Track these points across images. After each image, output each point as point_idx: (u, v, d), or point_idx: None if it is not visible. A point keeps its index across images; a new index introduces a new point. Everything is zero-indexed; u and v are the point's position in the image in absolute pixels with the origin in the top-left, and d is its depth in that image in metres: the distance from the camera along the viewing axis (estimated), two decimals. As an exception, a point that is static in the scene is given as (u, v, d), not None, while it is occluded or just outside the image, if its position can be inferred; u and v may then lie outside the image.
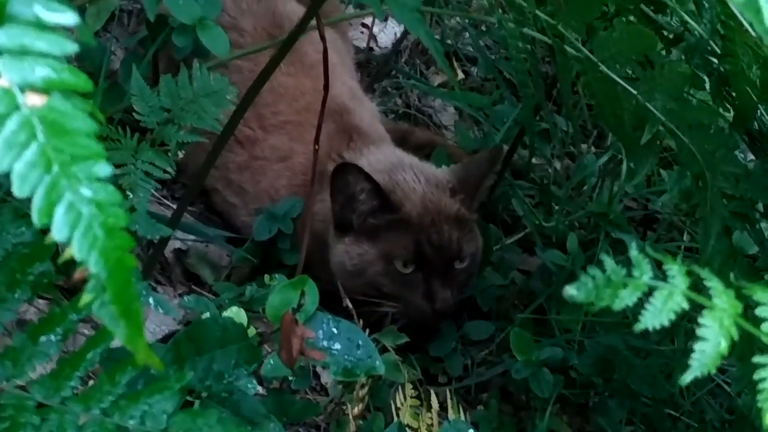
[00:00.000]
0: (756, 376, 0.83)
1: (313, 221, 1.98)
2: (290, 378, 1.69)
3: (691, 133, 1.57)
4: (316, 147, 1.84)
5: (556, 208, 2.42)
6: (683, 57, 1.70)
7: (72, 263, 0.77)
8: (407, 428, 1.68)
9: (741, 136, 1.68)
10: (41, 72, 0.68)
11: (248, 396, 1.36)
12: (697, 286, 0.89)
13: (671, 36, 1.72)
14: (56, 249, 1.09)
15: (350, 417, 1.73)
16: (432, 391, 1.84)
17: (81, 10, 2.07)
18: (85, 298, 0.73)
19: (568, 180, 2.53)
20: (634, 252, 0.86)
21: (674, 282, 0.84)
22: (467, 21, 2.91)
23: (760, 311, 0.86)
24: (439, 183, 2.12)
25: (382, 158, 2.14)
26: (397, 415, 1.78)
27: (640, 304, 0.88)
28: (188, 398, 1.27)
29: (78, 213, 0.67)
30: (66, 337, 1.03)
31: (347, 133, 2.20)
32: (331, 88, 1.82)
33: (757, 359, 0.84)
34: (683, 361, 0.84)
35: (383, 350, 1.90)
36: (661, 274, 0.88)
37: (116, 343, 1.12)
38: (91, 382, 1.05)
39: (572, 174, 2.55)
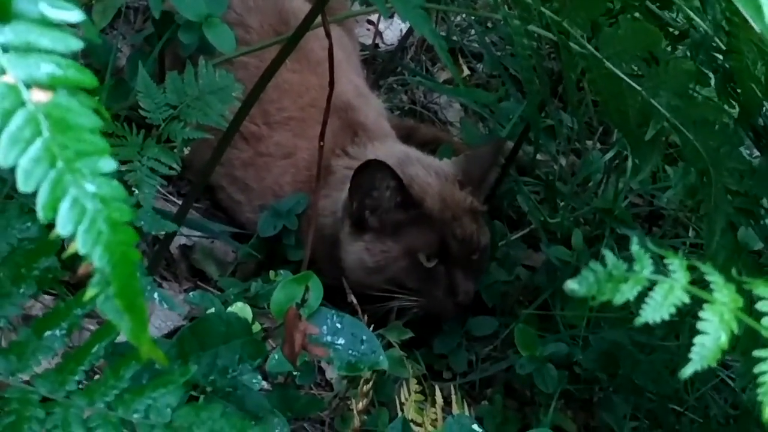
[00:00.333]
0: (756, 370, 0.83)
1: (318, 217, 1.99)
2: (295, 373, 1.69)
3: (695, 130, 1.57)
4: (322, 143, 1.85)
5: (562, 204, 2.42)
6: (688, 54, 1.70)
7: (77, 258, 0.78)
8: (411, 423, 1.69)
9: (746, 132, 1.68)
10: (46, 68, 0.68)
11: (253, 391, 1.36)
12: (700, 281, 0.89)
13: (676, 33, 1.72)
14: (62, 245, 1.09)
15: (355, 412, 1.74)
16: (436, 387, 1.85)
17: (87, 7, 2.08)
18: (90, 292, 0.74)
19: (573, 176, 2.53)
20: (635, 246, 0.86)
21: (675, 276, 0.85)
22: (473, 18, 2.91)
23: (760, 305, 0.86)
24: (447, 176, 2.14)
25: (389, 153, 2.15)
26: (402, 410, 1.78)
27: (643, 300, 0.88)
28: (193, 393, 1.28)
29: (82, 208, 0.68)
30: (71, 331, 1.04)
31: (352, 129, 2.21)
32: (337, 85, 1.82)
33: (758, 353, 0.85)
34: (688, 356, 0.85)
35: (388, 346, 1.91)
36: (663, 269, 0.88)
37: (121, 337, 1.13)
38: (96, 377, 1.05)
39: (577, 170, 2.55)
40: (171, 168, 1.69)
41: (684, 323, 2.03)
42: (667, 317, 0.83)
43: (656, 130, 1.58)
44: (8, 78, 0.67)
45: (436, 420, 1.79)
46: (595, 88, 1.66)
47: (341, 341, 1.34)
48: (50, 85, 0.68)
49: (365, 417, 1.79)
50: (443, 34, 2.87)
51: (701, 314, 0.84)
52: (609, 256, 0.86)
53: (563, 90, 2.50)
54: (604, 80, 1.62)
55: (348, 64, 2.39)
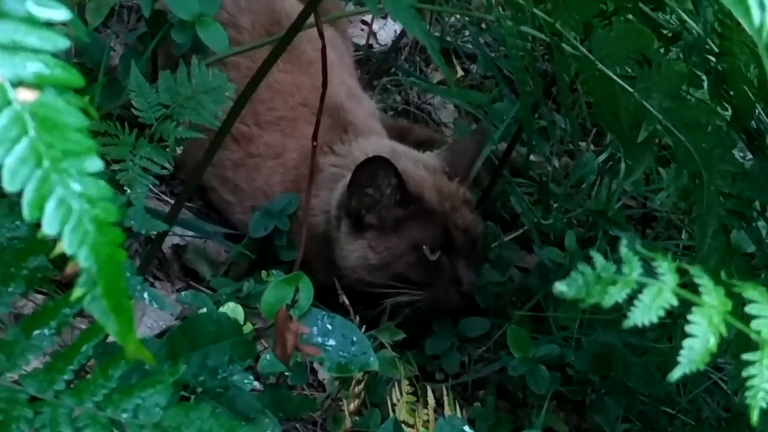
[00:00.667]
0: (745, 373, 0.83)
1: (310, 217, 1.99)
2: (287, 374, 1.69)
3: (688, 132, 1.57)
4: (315, 143, 1.85)
5: (555, 205, 2.42)
6: (681, 56, 1.70)
7: (66, 258, 0.77)
8: (403, 424, 1.68)
9: (739, 134, 1.68)
10: (33, 67, 0.68)
11: (244, 391, 1.36)
12: (691, 284, 0.89)
13: (669, 35, 1.72)
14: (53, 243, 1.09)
15: (347, 413, 1.74)
16: (428, 388, 1.85)
17: (81, 6, 2.08)
18: (77, 292, 0.73)
19: (566, 178, 2.53)
20: (624, 249, 0.86)
21: (664, 279, 0.85)
22: (467, 19, 2.91)
23: (750, 309, 0.86)
24: (435, 168, 2.15)
25: (376, 148, 2.15)
26: (394, 411, 1.78)
27: (633, 302, 0.88)
28: (184, 393, 1.28)
29: (68, 208, 0.67)
30: (60, 330, 1.03)
31: (341, 127, 2.21)
32: (329, 85, 1.82)
33: (747, 356, 0.84)
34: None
35: (380, 347, 1.91)
36: (653, 272, 0.88)
37: (111, 337, 1.13)
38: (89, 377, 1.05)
39: (571, 172, 2.55)
40: (163, 167, 1.69)
41: (676, 326, 2.03)
42: (655, 320, 0.83)
43: (649, 131, 1.58)
44: (-6, 77, 0.67)
45: (428, 421, 1.79)
46: (587, 89, 1.66)
47: (332, 342, 1.34)
48: (37, 84, 0.68)
49: (357, 418, 1.79)
50: (437, 35, 2.87)
51: (690, 317, 0.84)
52: (598, 258, 0.86)
53: (556, 91, 2.50)
54: (596, 82, 1.62)
55: (340, 64, 2.39)
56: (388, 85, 2.80)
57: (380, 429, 1.57)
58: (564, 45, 1.61)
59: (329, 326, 1.34)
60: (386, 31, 2.93)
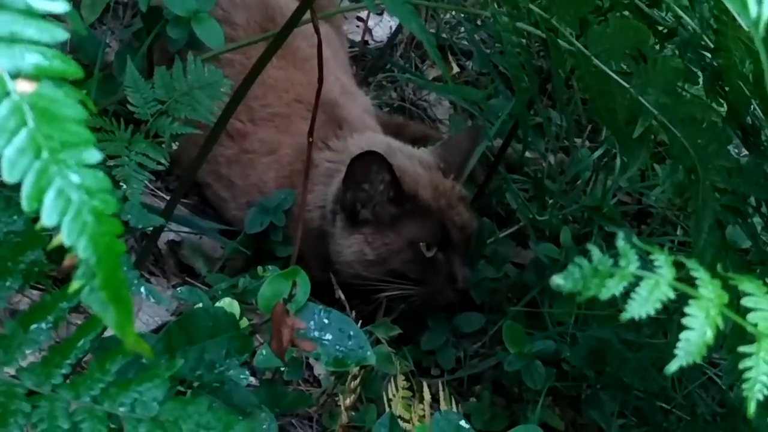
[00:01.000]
0: (741, 365, 0.84)
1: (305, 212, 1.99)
2: (283, 369, 1.69)
3: (683, 128, 1.58)
4: (311, 139, 1.85)
5: (550, 201, 2.42)
6: (676, 52, 1.71)
7: (63, 252, 0.77)
8: (399, 419, 1.69)
9: (734, 130, 1.68)
10: (32, 59, 0.68)
11: (240, 386, 1.36)
12: (687, 278, 0.89)
13: (665, 31, 1.72)
14: (49, 238, 1.09)
15: (342, 408, 1.74)
16: (424, 383, 1.85)
17: (76, 2, 2.07)
18: (75, 284, 0.73)
19: (562, 174, 2.53)
20: (621, 242, 0.86)
21: (661, 272, 0.85)
22: (462, 15, 2.91)
23: (746, 301, 0.86)
24: (430, 165, 2.15)
25: (371, 144, 2.15)
26: (389, 406, 1.78)
27: (630, 297, 0.88)
28: (180, 388, 1.28)
29: (67, 199, 0.67)
30: (57, 325, 1.03)
31: (336, 123, 2.21)
32: (323, 82, 1.82)
33: (743, 349, 0.85)
34: (674, 354, 0.85)
35: (376, 342, 1.91)
36: (649, 266, 0.88)
37: (107, 332, 1.13)
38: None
39: (566, 168, 2.56)
40: (159, 163, 1.69)
41: (671, 321, 2.03)
42: (652, 313, 0.83)
43: (644, 127, 1.58)
44: (-7, 68, 0.67)
45: (423, 416, 1.79)
46: (583, 85, 1.66)
47: (328, 336, 1.34)
48: (35, 75, 0.68)
49: (353, 413, 1.79)
50: (432, 31, 2.87)
51: (687, 310, 0.84)
52: (595, 252, 0.86)
53: (552, 88, 2.51)
54: (592, 78, 1.62)
55: (335, 61, 2.39)
56: (383, 82, 2.81)
57: (376, 424, 1.57)
58: (560, 41, 1.61)
59: (326, 321, 1.35)
60: (382, 27, 2.93)
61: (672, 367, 0.81)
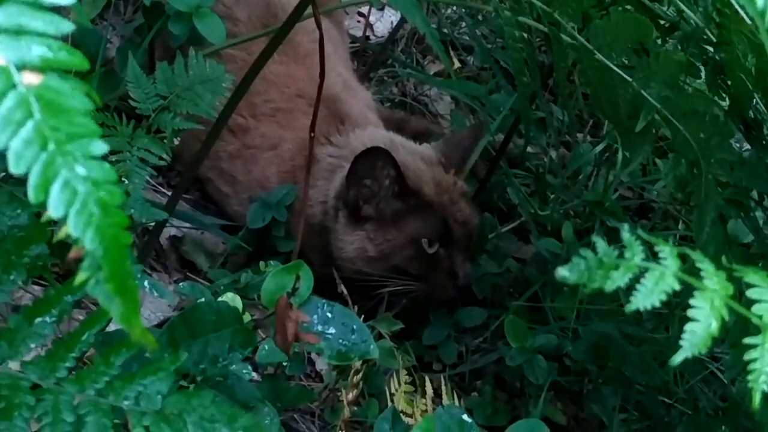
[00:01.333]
0: (747, 357, 0.84)
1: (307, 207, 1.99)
2: (285, 364, 1.69)
3: (686, 121, 1.58)
4: (312, 134, 1.85)
5: (552, 196, 2.42)
6: (679, 45, 1.71)
7: (66, 247, 0.77)
8: (402, 414, 1.69)
9: (736, 124, 1.68)
10: (38, 51, 0.68)
11: (243, 380, 1.36)
12: (691, 271, 0.89)
13: (667, 24, 1.72)
14: (52, 232, 1.09)
15: (345, 403, 1.74)
16: (426, 378, 1.85)
17: (77, -2, 2.07)
18: (80, 276, 0.73)
19: (563, 169, 2.53)
20: (626, 234, 0.86)
21: (666, 263, 0.85)
22: (463, 10, 2.91)
23: (751, 293, 0.86)
24: (432, 160, 2.15)
25: (374, 139, 2.15)
26: (392, 401, 1.79)
27: (633, 290, 0.88)
28: (183, 383, 1.28)
29: (74, 190, 0.67)
30: (61, 318, 1.03)
31: (337, 118, 2.21)
32: (325, 77, 1.82)
33: (748, 340, 0.85)
34: (677, 348, 0.85)
35: (378, 337, 1.91)
36: (653, 258, 0.88)
37: (111, 326, 1.13)
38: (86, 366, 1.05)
39: (568, 163, 2.56)
40: (161, 158, 1.69)
41: (673, 315, 2.04)
42: (658, 304, 0.83)
43: (646, 121, 1.58)
44: (-1, 60, 0.67)
45: (426, 411, 1.79)
46: (585, 79, 1.66)
47: (332, 330, 1.34)
48: (41, 67, 0.68)
49: (355, 408, 1.79)
50: (434, 26, 2.87)
51: (692, 301, 0.84)
52: (600, 244, 0.86)
53: (554, 82, 2.50)
54: (594, 71, 1.62)
55: (336, 56, 2.38)
56: (385, 77, 2.81)
57: (379, 419, 1.57)
58: (562, 35, 1.61)
59: (329, 315, 1.35)
60: (383, 22, 2.93)
61: (677, 358, 0.81)
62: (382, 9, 2.91)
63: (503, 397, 2.11)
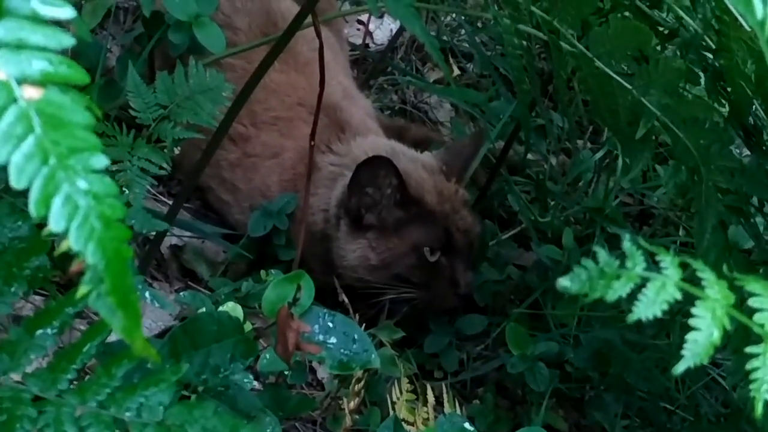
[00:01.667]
0: (749, 366, 0.84)
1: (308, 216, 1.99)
2: (286, 373, 1.69)
3: (686, 128, 1.58)
4: (312, 143, 1.85)
5: (552, 203, 2.42)
6: (678, 52, 1.71)
7: (68, 258, 0.77)
8: (403, 422, 1.69)
9: (736, 131, 1.68)
10: (38, 65, 0.68)
11: (244, 390, 1.36)
12: (692, 279, 0.89)
13: (666, 32, 1.72)
14: (52, 244, 1.09)
15: (346, 411, 1.74)
16: (428, 386, 1.85)
17: (77, 7, 2.08)
18: (82, 290, 0.73)
19: (563, 176, 2.53)
20: (627, 244, 0.86)
21: (667, 273, 0.85)
22: (463, 18, 2.91)
23: (752, 302, 0.86)
24: (433, 169, 2.15)
25: (375, 147, 2.15)
26: (393, 409, 1.78)
27: (635, 298, 0.88)
28: (184, 393, 1.28)
29: (75, 204, 0.67)
30: (62, 330, 1.03)
31: (338, 126, 2.21)
32: (325, 86, 1.82)
33: (750, 349, 0.85)
34: (679, 355, 0.85)
35: (379, 345, 1.91)
36: (654, 267, 0.88)
37: (112, 337, 1.13)
38: (87, 377, 1.05)
39: (568, 170, 2.56)
40: (161, 168, 1.69)
41: (674, 322, 2.04)
42: (659, 314, 0.83)
43: (646, 128, 1.58)
44: (0, 75, 0.67)
45: (427, 419, 1.79)
46: (585, 86, 1.66)
47: (333, 340, 1.34)
48: (42, 81, 0.68)
49: (357, 416, 1.79)
50: (433, 34, 2.87)
51: (693, 311, 0.84)
52: (601, 254, 0.86)
53: (553, 89, 2.51)
54: (594, 79, 1.62)
55: (336, 64, 2.39)
56: (384, 85, 2.81)
57: (381, 427, 1.57)
58: (561, 43, 1.61)
59: (330, 324, 1.35)
60: (382, 30, 2.93)
61: (679, 368, 0.81)
62: (381, 17, 2.91)
63: (505, 404, 2.11)
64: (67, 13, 0.69)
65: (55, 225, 0.67)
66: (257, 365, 1.50)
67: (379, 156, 2.04)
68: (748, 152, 1.76)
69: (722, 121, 1.63)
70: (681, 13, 1.68)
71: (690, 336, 0.82)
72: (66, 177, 0.67)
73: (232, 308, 1.71)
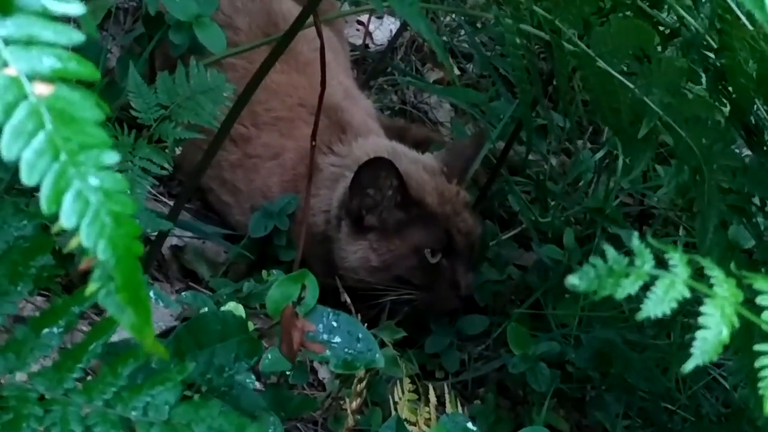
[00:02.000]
0: (757, 364, 0.83)
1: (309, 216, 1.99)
2: (288, 373, 1.69)
3: (688, 127, 1.58)
4: (314, 143, 1.85)
5: (553, 203, 2.42)
6: (679, 52, 1.71)
7: (71, 258, 0.77)
8: (405, 422, 1.68)
9: (738, 130, 1.68)
10: (48, 61, 0.68)
11: (248, 390, 1.36)
12: (698, 277, 0.89)
13: (667, 31, 1.72)
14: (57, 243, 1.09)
15: (348, 411, 1.74)
16: (430, 386, 1.85)
17: (77, 7, 2.07)
18: (91, 287, 0.73)
19: (564, 176, 2.53)
20: (635, 242, 0.86)
21: (676, 271, 0.85)
22: (463, 18, 2.91)
23: (760, 300, 0.86)
24: (434, 170, 2.15)
25: (376, 148, 2.15)
26: (395, 409, 1.78)
27: (636, 298, 0.88)
28: (187, 392, 1.28)
29: (86, 201, 0.67)
30: (68, 329, 1.03)
31: (339, 127, 2.21)
32: (326, 86, 1.82)
33: (758, 347, 0.84)
34: (680, 355, 0.85)
35: (381, 345, 1.91)
36: (660, 265, 0.88)
37: (115, 336, 1.13)
38: (89, 377, 1.05)
39: (568, 170, 2.56)
40: (163, 168, 1.69)
41: (675, 322, 2.04)
42: (668, 312, 0.83)
43: (649, 127, 1.58)
44: (10, 71, 0.67)
45: (429, 419, 1.79)
46: (587, 86, 1.66)
47: (337, 339, 1.34)
48: (52, 77, 0.68)
49: (359, 416, 1.79)
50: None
51: (702, 309, 0.84)
52: (609, 251, 0.86)
53: (554, 89, 2.51)
54: (596, 78, 1.62)
55: (336, 64, 2.38)
56: (384, 85, 2.81)
57: (383, 427, 1.57)
58: (563, 42, 1.61)
59: (335, 323, 1.35)
60: (382, 31, 2.93)
61: (688, 366, 0.81)
62: (381, 17, 2.91)
63: (506, 404, 2.11)
64: (77, 9, 0.69)
65: (66, 221, 0.67)
66: (259, 365, 1.49)
67: (380, 157, 2.04)
68: (748, 151, 1.76)
69: (724, 120, 1.63)
70: (682, 12, 1.68)
71: (699, 334, 0.81)
72: (77, 173, 0.67)
73: (234, 308, 1.71)
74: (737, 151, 1.91)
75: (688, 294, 0.83)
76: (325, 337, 1.33)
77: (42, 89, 0.67)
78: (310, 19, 1.68)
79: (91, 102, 0.68)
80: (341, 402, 1.83)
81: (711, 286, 0.85)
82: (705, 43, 1.66)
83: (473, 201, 2.24)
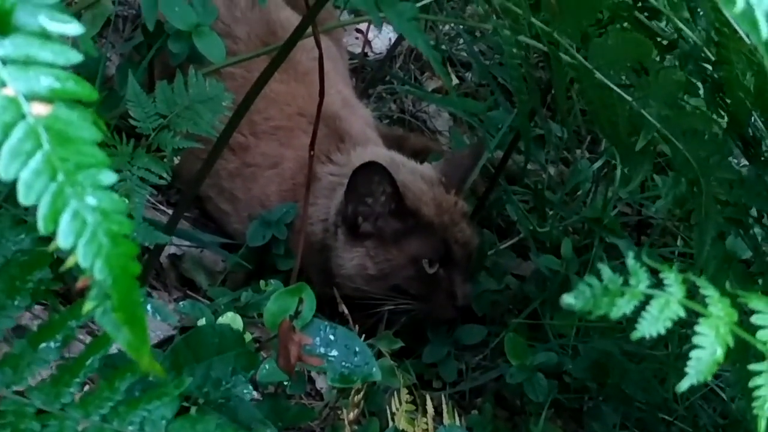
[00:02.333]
0: (752, 383, 0.84)
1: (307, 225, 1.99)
2: (285, 383, 1.69)
3: (685, 140, 1.58)
4: (312, 152, 1.85)
5: (551, 213, 2.42)
6: (677, 64, 1.71)
7: (70, 270, 0.77)
8: (402, 433, 1.69)
9: (735, 142, 1.69)
10: (46, 81, 0.68)
11: (245, 402, 1.36)
12: (692, 292, 0.89)
13: (665, 43, 1.72)
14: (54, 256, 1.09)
15: (345, 422, 1.74)
16: (427, 396, 1.85)
17: (76, 17, 2.07)
18: (88, 305, 0.73)
19: (562, 185, 2.53)
20: (630, 260, 0.86)
21: (671, 290, 0.85)
22: (461, 27, 2.92)
23: (755, 319, 0.86)
24: (433, 180, 2.15)
25: (375, 157, 2.15)
26: (393, 419, 1.78)
27: (635, 310, 0.88)
28: (185, 404, 1.28)
29: (83, 221, 0.67)
30: (65, 343, 1.03)
31: (337, 136, 2.21)
32: (325, 95, 1.82)
33: (753, 367, 0.85)
34: (677, 366, 0.85)
35: (378, 355, 1.91)
36: (656, 281, 0.89)
37: (113, 349, 1.13)
38: (86, 389, 1.05)
39: (566, 179, 2.56)
40: (161, 177, 1.69)
41: (673, 333, 2.04)
42: (663, 331, 0.83)
43: (646, 140, 1.58)
44: (8, 91, 0.67)
45: (426, 430, 1.79)
46: (585, 98, 1.66)
47: (334, 353, 1.34)
48: (50, 97, 0.68)
49: (356, 427, 1.79)
50: (432, 43, 2.87)
51: (697, 328, 0.84)
52: (605, 270, 0.86)
53: (552, 99, 2.51)
54: (594, 90, 1.62)
55: (335, 73, 2.39)
56: (383, 94, 2.81)
57: (380, 438, 1.57)
58: (561, 54, 1.61)
59: (332, 337, 1.35)
60: (381, 39, 2.94)
61: (683, 385, 0.81)
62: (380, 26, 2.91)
63: (504, 415, 2.11)
64: (75, 29, 0.70)
65: (63, 241, 0.67)
66: (257, 375, 1.49)
67: (374, 162, 2.04)
68: (745, 163, 1.76)
69: (721, 132, 1.63)
70: (680, 24, 1.68)
71: (694, 354, 0.82)
72: (74, 193, 0.67)
73: (232, 318, 1.71)
74: (735, 162, 1.92)
75: (683, 313, 0.83)
76: (323, 350, 1.34)
77: (40, 109, 0.67)
78: (309, 27, 1.69)
79: (88, 122, 0.68)
80: (339, 412, 1.83)
81: (706, 305, 0.85)
82: (703, 55, 1.66)
83: (471, 210, 2.24)
